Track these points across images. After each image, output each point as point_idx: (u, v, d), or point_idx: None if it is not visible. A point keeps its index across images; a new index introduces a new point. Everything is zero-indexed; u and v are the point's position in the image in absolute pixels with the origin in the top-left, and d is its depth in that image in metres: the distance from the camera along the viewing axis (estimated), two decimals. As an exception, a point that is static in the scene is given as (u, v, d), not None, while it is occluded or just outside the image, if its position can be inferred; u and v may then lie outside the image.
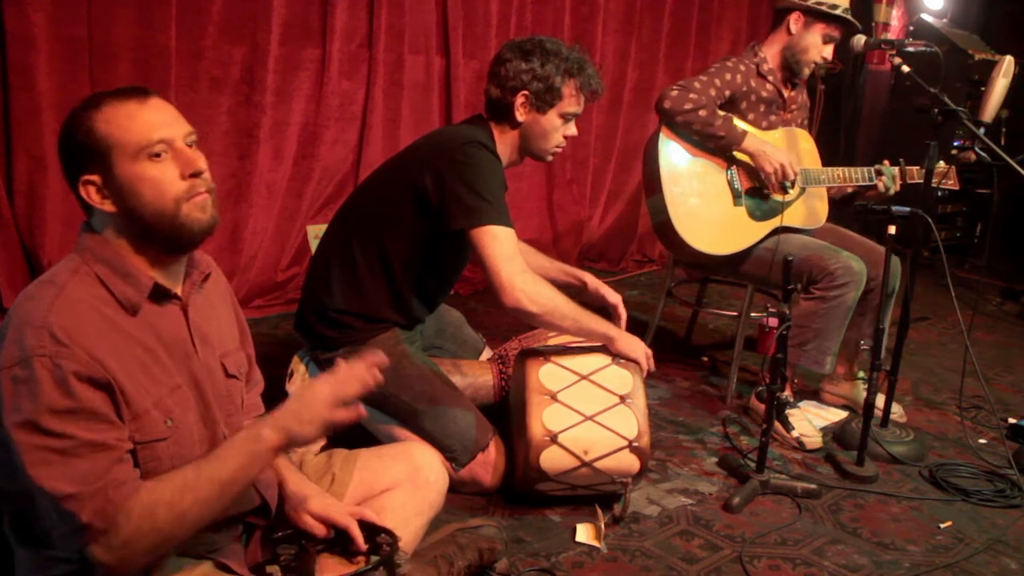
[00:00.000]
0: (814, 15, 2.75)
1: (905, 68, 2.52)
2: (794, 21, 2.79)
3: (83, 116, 1.22)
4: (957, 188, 2.87)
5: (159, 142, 1.22)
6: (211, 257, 1.43)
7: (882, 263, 2.46)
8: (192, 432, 1.29)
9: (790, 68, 2.84)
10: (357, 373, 1.31)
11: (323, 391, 1.28)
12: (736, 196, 2.77)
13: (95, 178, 1.22)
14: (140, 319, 1.24)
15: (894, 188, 2.78)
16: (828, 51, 2.80)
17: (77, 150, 1.22)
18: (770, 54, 2.85)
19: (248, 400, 1.52)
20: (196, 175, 1.25)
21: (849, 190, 2.90)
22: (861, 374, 2.88)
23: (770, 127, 2.85)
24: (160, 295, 1.28)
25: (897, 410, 2.82)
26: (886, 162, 2.81)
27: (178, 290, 1.32)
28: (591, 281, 2.43)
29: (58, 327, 1.13)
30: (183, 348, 1.30)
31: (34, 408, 1.11)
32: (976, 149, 2.63)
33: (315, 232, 3.57)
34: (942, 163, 2.75)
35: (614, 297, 2.39)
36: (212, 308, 1.41)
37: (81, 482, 1.12)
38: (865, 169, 2.80)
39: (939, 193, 2.91)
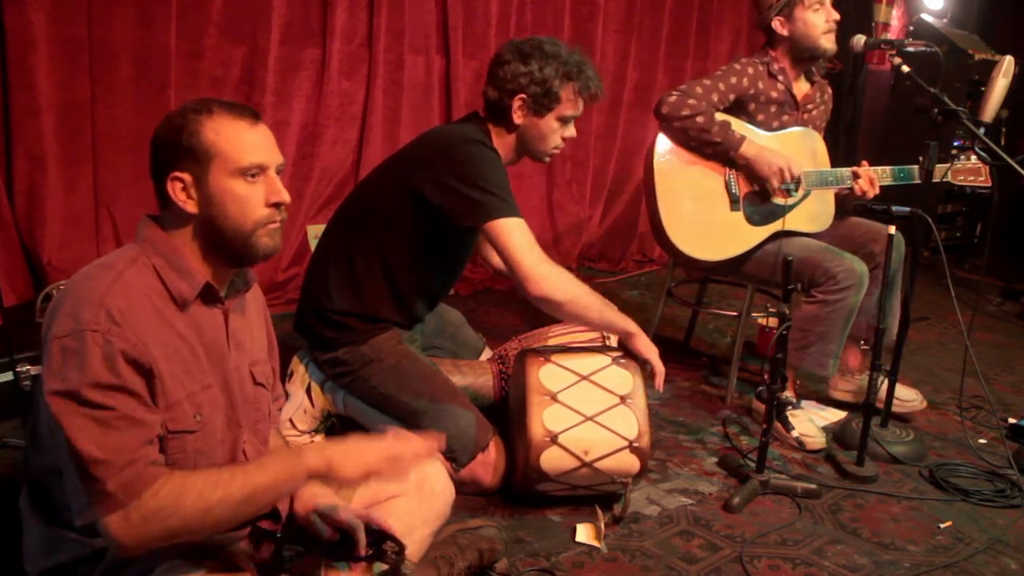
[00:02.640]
0: (788, 7, 2.72)
1: (905, 68, 2.51)
2: (779, 26, 2.76)
3: (193, 118, 1.27)
4: (988, 185, 2.73)
5: (257, 165, 1.29)
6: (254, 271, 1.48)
7: (883, 239, 2.43)
8: (216, 432, 1.33)
9: (810, 59, 2.78)
10: (419, 446, 1.37)
11: (383, 443, 1.35)
12: (733, 201, 2.74)
13: (186, 177, 1.27)
14: (186, 315, 1.29)
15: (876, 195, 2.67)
16: (831, 12, 2.72)
17: (177, 147, 1.26)
18: (779, 55, 2.81)
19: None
20: (278, 205, 1.32)
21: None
22: None
23: (782, 127, 2.81)
24: (209, 296, 1.33)
25: (915, 396, 2.82)
26: (888, 169, 2.72)
27: (223, 295, 1.37)
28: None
29: (114, 307, 1.19)
30: (219, 350, 1.35)
31: (79, 379, 1.15)
32: (976, 149, 2.62)
33: (315, 232, 3.57)
34: (974, 159, 2.66)
35: (651, 352, 2.20)
36: (248, 318, 1.46)
37: (114, 451, 1.16)
38: (881, 169, 2.70)
39: (969, 191, 2.81)
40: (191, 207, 1.28)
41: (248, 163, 1.28)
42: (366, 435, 1.38)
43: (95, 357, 1.16)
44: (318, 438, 2.32)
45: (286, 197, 1.32)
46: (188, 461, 1.27)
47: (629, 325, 2.19)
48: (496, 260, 2.54)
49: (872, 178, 2.67)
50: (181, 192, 1.28)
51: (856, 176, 2.68)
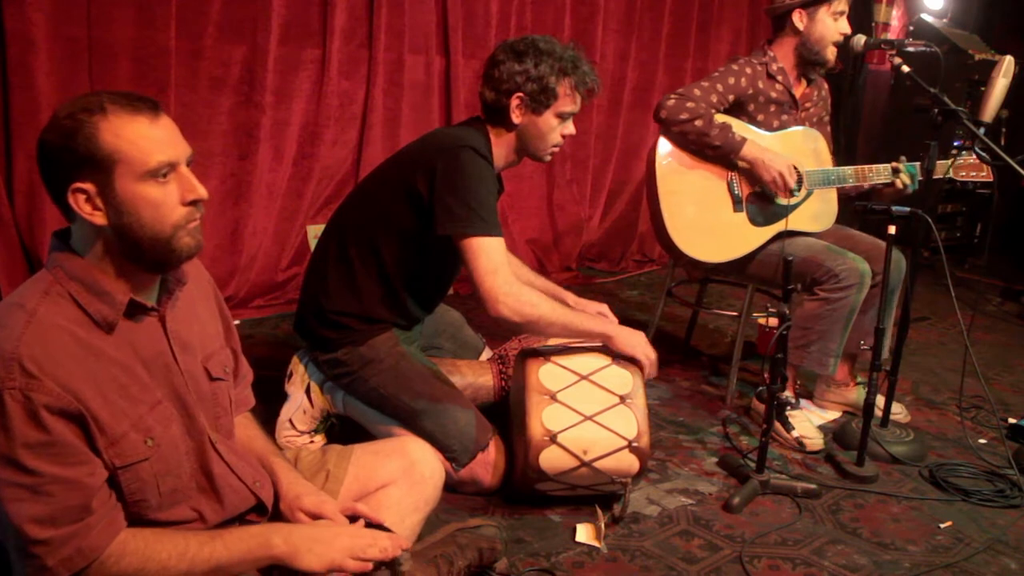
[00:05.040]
0: (814, 4, 2.70)
1: (905, 68, 2.51)
2: (798, 19, 2.72)
3: (85, 120, 1.15)
4: (991, 180, 2.73)
5: (167, 164, 1.18)
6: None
7: (883, 259, 2.44)
8: (177, 446, 1.28)
9: (812, 62, 2.77)
10: (384, 544, 1.33)
11: (348, 540, 1.31)
12: (736, 202, 2.74)
13: (89, 187, 1.16)
14: (116, 337, 1.21)
15: (913, 187, 2.69)
16: (844, 25, 2.72)
17: (73, 155, 1.15)
18: (780, 54, 2.79)
19: (237, 394, 1.52)
20: (195, 202, 1.22)
21: (865, 187, 2.80)
22: (860, 379, 2.85)
23: (782, 126, 2.80)
24: (136, 311, 1.24)
25: (901, 410, 2.82)
26: (903, 158, 2.72)
27: (154, 302, 1.28)
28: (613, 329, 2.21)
29: (28, 358, 1.10)
30: (162, 361, 1.28)
31: (7, 442, 1.09)
32: (976, 149, 2.62)
33: (315, 232, 3.57)
34: (974, 159, 2.66)
35: (634, 348, 2.17)
36: (192, 310, 1.38)
37: (53, 526, 1.11)
38: (882, 166, 2.71)
39: (971, 186, 2.81)
40: (99, 219, 1.16)
41: (156, 163, 1.16)
42: (341, 525, 1.38)
43: (18, 417, 1.08)
44: (318, 438, 2.32)
45: (203, 192, 1.21)
46: (149, 489, 1.23)
47: (606, 328, 2.16)
48: None
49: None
50: (86, 204, 1.16)
51: (896, 171, 2.69)
